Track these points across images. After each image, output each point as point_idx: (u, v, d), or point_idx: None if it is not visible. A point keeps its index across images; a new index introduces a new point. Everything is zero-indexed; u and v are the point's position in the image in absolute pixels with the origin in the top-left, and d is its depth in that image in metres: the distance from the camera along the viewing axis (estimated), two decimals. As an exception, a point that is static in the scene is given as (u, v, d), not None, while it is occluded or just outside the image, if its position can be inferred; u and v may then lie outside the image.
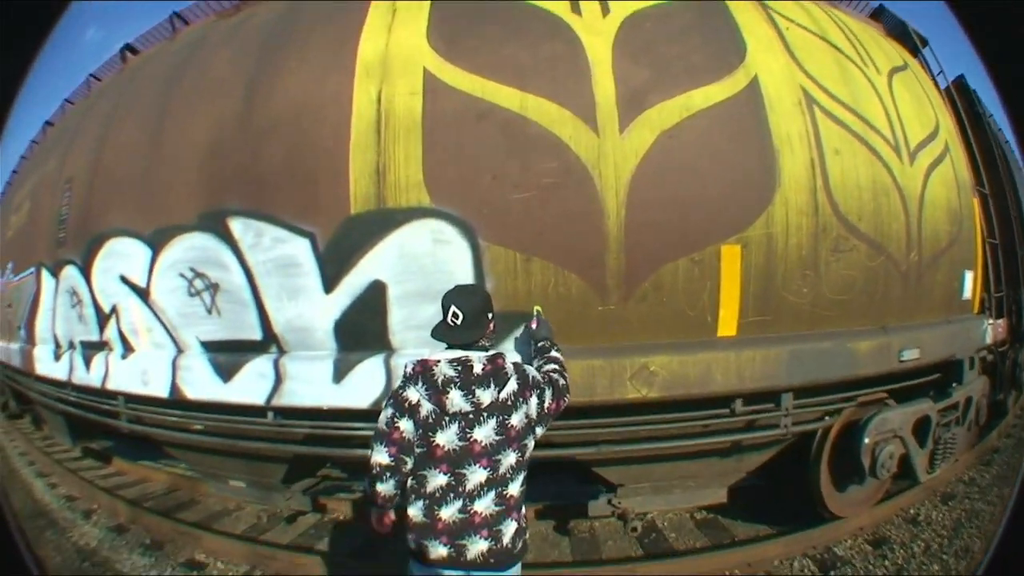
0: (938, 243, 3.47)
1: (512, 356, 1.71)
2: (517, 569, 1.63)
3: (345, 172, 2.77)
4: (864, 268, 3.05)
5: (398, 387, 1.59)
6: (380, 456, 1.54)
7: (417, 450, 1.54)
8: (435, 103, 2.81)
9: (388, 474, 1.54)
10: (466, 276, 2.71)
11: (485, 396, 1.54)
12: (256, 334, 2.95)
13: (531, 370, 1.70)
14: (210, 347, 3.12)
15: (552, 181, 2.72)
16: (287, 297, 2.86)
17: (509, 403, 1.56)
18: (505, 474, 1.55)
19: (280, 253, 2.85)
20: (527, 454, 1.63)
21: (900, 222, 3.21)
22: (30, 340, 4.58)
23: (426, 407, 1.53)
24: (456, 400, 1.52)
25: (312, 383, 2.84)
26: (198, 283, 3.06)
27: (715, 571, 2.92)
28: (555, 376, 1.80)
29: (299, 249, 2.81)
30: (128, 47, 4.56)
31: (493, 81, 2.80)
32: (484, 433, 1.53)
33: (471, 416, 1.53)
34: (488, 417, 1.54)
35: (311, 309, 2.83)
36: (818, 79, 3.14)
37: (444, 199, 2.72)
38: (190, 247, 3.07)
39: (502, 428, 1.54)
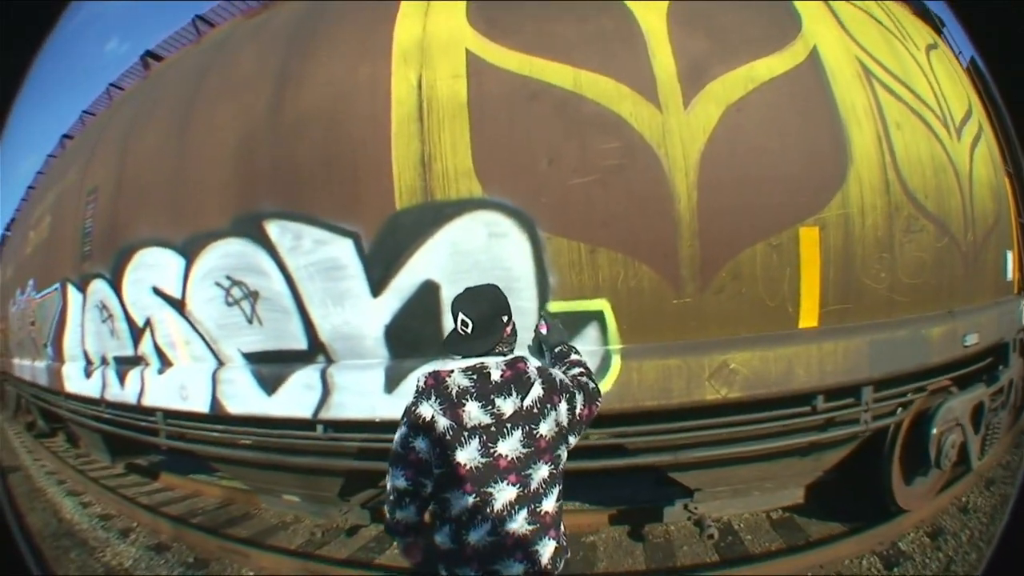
0: (987, 222, 3.22)
1: (535, 360, 1.50)
2: None
3: (387, 164, 2.52)
4: (933, 249, 2.79)
5: (410, 403, 1.40)
6: (397, 480, 1.37)
7: (436, 471, 1.34)
8: (481, 85, 2.55)
9: (407, 499, 1.38)
10: (526, 272, 2.46)
11: (507, 406, 1.33)
12: (301, 343, 2.73)
13: (558, 373, 1.50)
14: (252, 358, 2.90)
15: (615, 163, 2.45)
16: (332, 303, 2.62)
17: (535, 411, 1.36)
18: (538, 489, 1.36)
19: (322, 256, 2.61)
20: (561, 465, 1.43)
21: (957, 200, 2.97)
22: (58, 358, 4.40)
23: (441, 423, 1.34)
24: (474, 413, 1.32)
25: (363, 394, 2.61)
26: (236, 292, 2.83)
27: (789, 574, 2.70)
28: (583, 380, 1.59)
29: (342, 250, 2.57)
30: (150, 53, 4.33)
31: (542, 58, 2.54)
32: (510, 447, 1.33)
33: (493, 429, 1.33)
34: (512, 429, 1.34)
35: (358, 314, 2.59)
36: (871, 51, 2.87)
37: (497, 188, 2.47)
38: (225, 254, 2.84)
39: (530, 439, 1.35)
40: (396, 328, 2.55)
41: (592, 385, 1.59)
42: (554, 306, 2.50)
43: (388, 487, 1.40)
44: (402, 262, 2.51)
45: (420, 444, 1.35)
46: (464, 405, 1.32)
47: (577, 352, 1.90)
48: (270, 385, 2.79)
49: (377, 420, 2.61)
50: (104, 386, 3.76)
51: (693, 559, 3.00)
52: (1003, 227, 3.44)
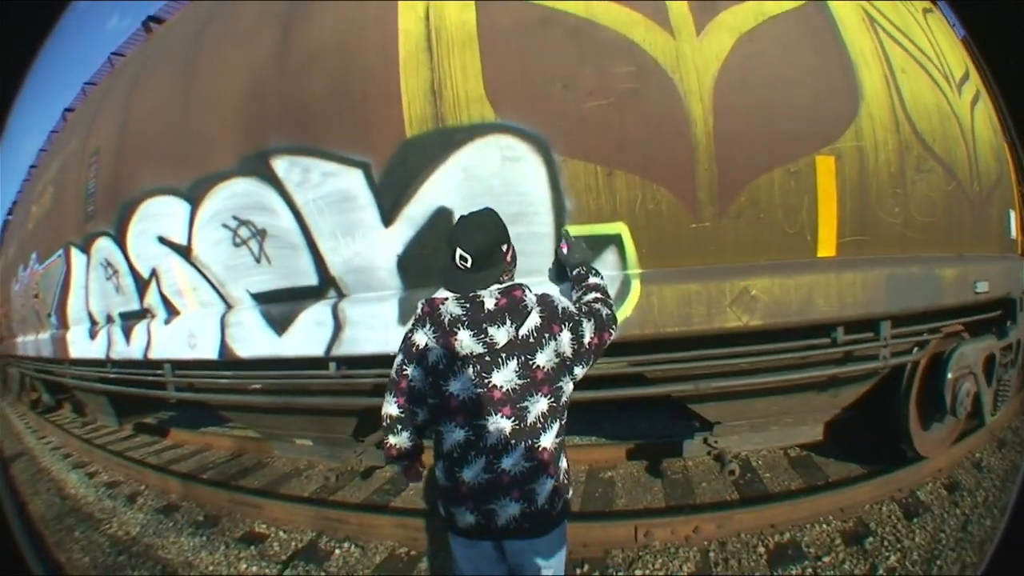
0: (990, 178, 3.20)
1: (539, 289, 1.41)
2: (559, 534, 1.36)
3: (397, 94, 2.45)
4: (942, 191, 2.76)
5: (407, 330, 1.37)
6: (390, 407, 1.35)
7: (431, 401, 1.31)
8: (490, 13, 2.48)
9: (399, 426, 1.36)
10: (542, 196, 2.38)
11: (499, 335, 1.26)
12: (311, 279, 2.64)
13: (561, 301, 1.39)
14: (261, 299, 2.81)
15: (630, 87, 2.38)
16: (342, 235, 2.54)
17: (531, 340, 1.28)
18: (535, 424, 1.28)
19: (331, 188, 2.53)
20: (563, 399, 1.34)
21: (962, 149, 2.94)
22: (62, 324, 4.27)
23: (435, 351, 1.29)
24: (466, 341, 1.25)
25: (376, 327, 2.52)
26: (243, 231, 2.74)
27: (810, 517, 2.65)
28: (596, 306, 1.49)
29: (352, 181, 2.48)
30: (152, 18, 4.23)
31: (551, -14, 2.47)
32: (504, 377, 1.26)
33: (487, 358, 1.26)
34: (507, 359, 1.27)
35: (370, 246, 2.51)
36: (873, 2, 2.83)
37: (510, 113, 2.39)
38: (232, 194, 2.75)
39: (526, 370, 1.28)
40: (409, 258, 2.47)
41: (606, 312, 1.48)
42: (572, 230, 2.44)
43: (383, 413, 1.36)
44: (413, 190, 2.43)
45: (413, 372, 1.29)
46: (456, 333, 1.25)
47: (597, 274, 1.81)
48: (280, 325, 2.70)
49: (392, 353, 2.52)
50: (110, 345, 3.64)
51: (712, 496, 2.94)
52: (1005, 188, 3.42)
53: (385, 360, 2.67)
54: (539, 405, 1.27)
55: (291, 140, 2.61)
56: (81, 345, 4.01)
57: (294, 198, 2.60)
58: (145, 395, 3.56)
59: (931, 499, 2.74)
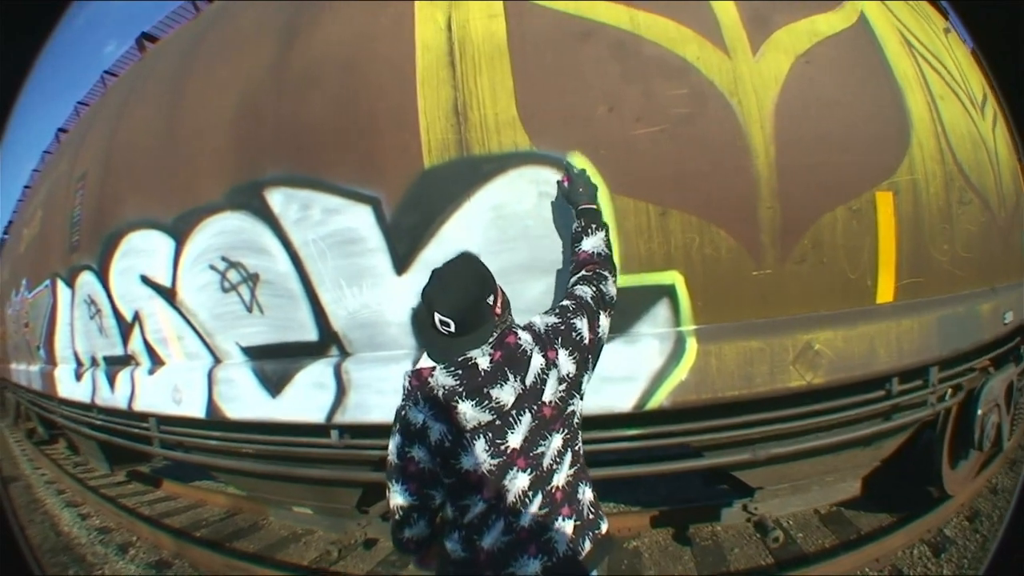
0: (1012, 201, 2.83)
1: (527, 320, 1.15)
2: None
3: (413, 115, 1.92)
4: (979, 223, 2.40)
5: (399, 407, 1.10)
6: (398, 497, 1.08)
7: (445, 480, 1.05)
8: (522, 24, 1.98)
9: (415, 516, 1.08)
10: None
11: (505, 395, 1.02)
12: (310, 334, 2.10)
13: (546, 319, 1.16)
14: (253, 354, 2.28)
15: (684, 111, 1.91)
16: (347, 284, 2.00)
17: (538, 384, 1.06)
18: (550, 466, 1.07)
19: (335, 227, 2.00)
20: (575, 423, 1.13)
21: (991, 176, 2.60)
22: (50, 360, 3.75)
23: (436, 429, 1.03)
24: (469, 413, 1.01)
25: (387, 392, 1.99)
26: (233, 275, 2.21)
27: (849, 572, 2.28)
28: (585, 291, 1.26)
29: (359, 219, 1.96)
30: (146, 35, 3.72)
31: (589, -3, 1.96)
32: (520, 436, 1.04)
33: (497, 423, 1.03)
34: (519, 415, 1.04)
35: (380, 297, 1.98)
36: (906, 24, 2.43)
37: (547, 140, 1.88)
38: (220, 231, 2.23)
39: (537, 414, 1.06)
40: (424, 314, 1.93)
41: (597, 291, 1.25)
42: (621, 280, 1.90)
43: (391, 505, 1.08)
44: (433, 231, 1.90)
45: (418, 454, 1.04)
46: (456, 407, 1.00)
47: (599, 225, 1.46)
48: (275, 385, 2.16)
49: None
50: (95, 390, 3.12)
51: (747, 562, 2.47)
52: (1021, 210, 3.02)
53: None
54: (553, 444, 1.06)
55: (288, 169, 2.08)
56: (68, 385, 3.50)
57: (291, 237, 2.07)
58: (132, 448, 3.03)
59: (955, 533, 2.49)
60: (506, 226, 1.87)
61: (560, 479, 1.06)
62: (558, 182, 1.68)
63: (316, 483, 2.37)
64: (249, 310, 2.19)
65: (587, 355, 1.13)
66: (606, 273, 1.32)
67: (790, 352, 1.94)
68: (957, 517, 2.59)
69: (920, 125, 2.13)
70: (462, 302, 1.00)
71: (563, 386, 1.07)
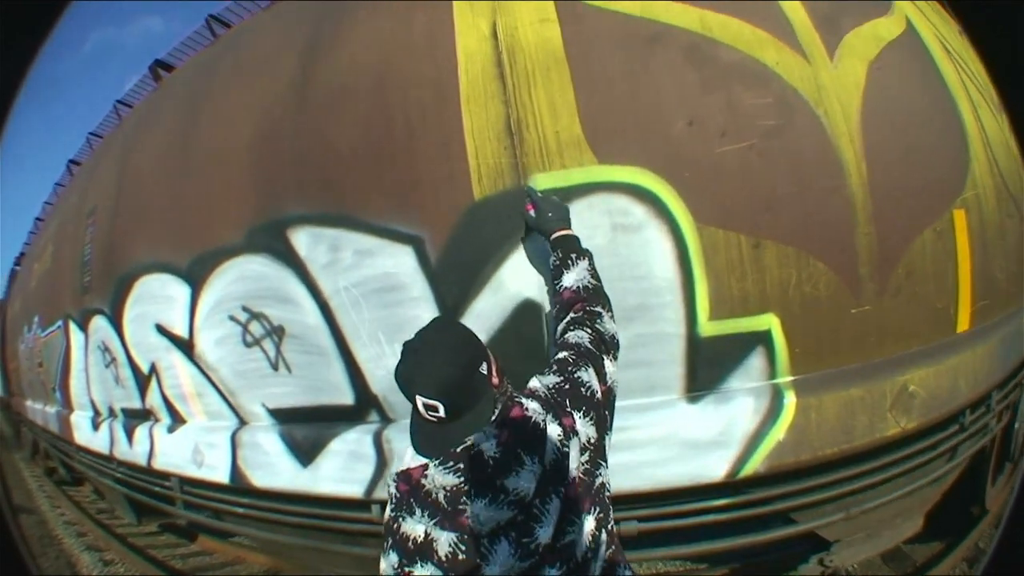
0: None
1: (531, 384, 0.90)
2: None
3: (458, 137, 1.61)
4: (1019, 235, 2.14)
5: (390, 518, 0.85)
6: None
7: None
8: (579, 28, 1.67)
9: None
10: (670, 279, 1.54)
11: (524, 482, 0.77)
12: (345, 396, 1.79)
13: (546, 380, 0.91)
14: (281, 417, 1.97)
15: (772, 123, 1.60)
16: (387, 338, 1.69)
17: (561, 462, 0.81)
18: (585, 555, 0.80)
19: (370, 272, 1.69)
20: (606, 494, 0.87)
21: (1021, 183, 2.26)
22: (66, 404, 3.52)
23: (444, 541, 0.77)
24: (481, 515, 0.76)
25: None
26: (255, 328, 1.91)
27: None
28: (584, 335, 1.00)
29: (399, 263, 1.64)
30: (159, 63, 3.43)
31: (650, -3, 1.64)
32: (550, 527, 0.77)
33: (520, 520, 0.76)
34: (546, 502, 0.78)
35: (426, 352, 1.65)
36: (939, 28, 2.11)
37: (620, 161, 1.54)
38: (240, 277, 1.93)
39: (564, 498, 0.79)
40: None
41: (597, 334, 1.01)
42: (709, 327, 1.55)
43: None
44: (487, 275, 1.58)
45: (426, 571, 0.79)
46: (464, 510, 0.77)
47: (582, 254, 1.19)
48: (306, 453, 1.86)
49: None
50: (112, 442, 2.86)
51: None
52: None
53: None
54: (586, 528, 0.82)
55: (314, 206, 1.78)
56: (85, 434, 3.26)
57: (320, 285, 1.77)
58: (155, 507, 2.76)
59: (985, 543, 2.33)
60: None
61: (596, 568, 0.83)
62: (522, 212, 1.37)
63: (357, 559, 2.06)
64: (275, 368, 1.89)
65: (604, 412, 0.91)
66: (599, 309, 1.07)
67: (888, 397, 1.65)
68: (988, 527, 2.38)
69: (972, 135, 1.86)
70: (450, 378, 0.78)
71: (586, 456, 0.85)
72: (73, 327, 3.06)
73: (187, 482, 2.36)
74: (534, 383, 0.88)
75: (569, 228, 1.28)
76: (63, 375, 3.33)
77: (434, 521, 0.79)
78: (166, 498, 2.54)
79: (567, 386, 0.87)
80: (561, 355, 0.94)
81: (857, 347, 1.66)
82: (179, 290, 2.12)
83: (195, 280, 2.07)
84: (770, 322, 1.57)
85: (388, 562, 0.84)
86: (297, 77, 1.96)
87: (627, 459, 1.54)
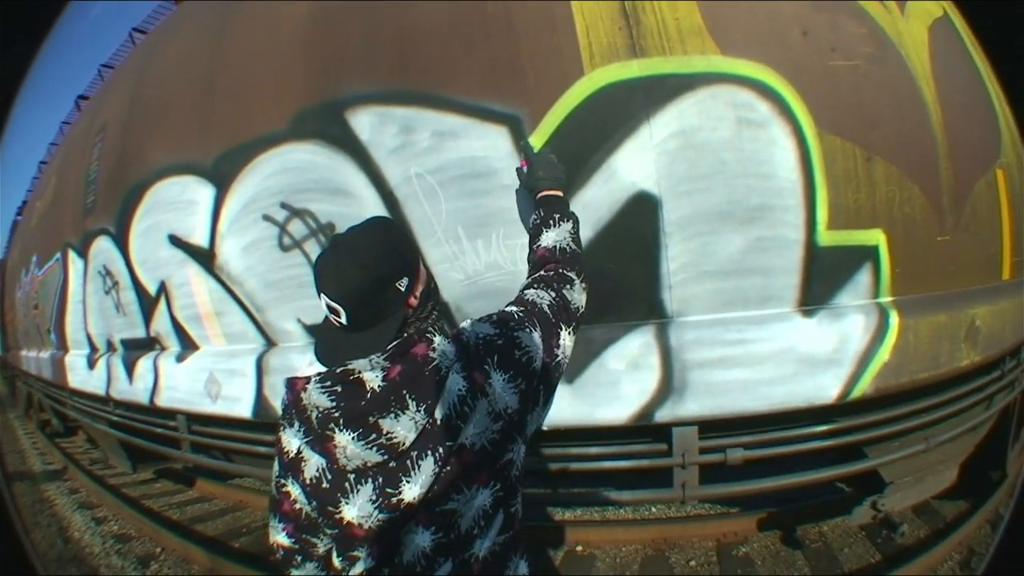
0: None
1: (462, 325, 0.58)
2: None
3: (565, 13, 1.06)
4: None
5: (278, 423, 0.57)
6: (277, 535, 0.58)
7: (327, 531, 0.54)
8: None
9: (299, 559, 0.57)
10: (792, 182, 1.09)
11: (401, 429, 0.50)
12: (410, 305, 1.14)
13: (480, 327, 0.57)
14: (323, 333, 1.27)
15: (870, 51, 1.20)
16: (468, 235, 1.09)
17: (454, 419, 0.51)
18: (471, 529, 0.52)
19: (452, 156, 1.09)
20: (512, 476, 0.55)
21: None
22: (61, 345, 2.50)
23: (313, 462, 0.53)
24: (350, 449, 0.50)
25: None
26: (296, 227, 1.23)
27: (943, 559, 1.65)
28: (542, 294, 0.65)
29: (490, 145, 1.05)
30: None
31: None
32: (420, 486, 0.50)
33: (392, 466, 0.50)
34: (421, 457, 0.50)
35: (517, 255, 1.08)
36: (953, 13, 1.86)
37: (743, 57, 1.06)
38: (280, 169, 1.24)
39: (451, 460, 0.51)
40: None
41: (557, 296, 0.65)
42: (827, 237, 1.10)
43: (271, 541, 0.58)
44: (597, 162, 1.04)
45: (295, 491, 0.55)
46: (332, 437, 0.51)
47: (567, 217, 0.80)
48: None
49: (546, 429, 1.09)
50: (109, 380, 1.96)
51: (858, 561, 1.69)
52: None
53: (546, 434, 1.23)
54: (476, 501, 0.53)
55: (383, 81, 1.14)
56: (79, 374, 2.29)
57: (385, 172, 1.13)
58: (155, 451, 1.90)
59: (1003, 510, 1.85)
60: (697, 159, 1.04)
61: (483, 547, 0.54)
62: (517, 169, 0.95)
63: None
64: (319, 275, 1.21)
65: (537, 384, 0.57)
66: (571, 275, 0.72)
67: (962, 328, 1.29)
68: (1006, 493, 1.92)
69: (999, 108, 1.57)
70: (358, 284, 0.51)
71: (498, 425, 0.53)
72: (72, 256, 2.12)
73: (196, 419, 1.57)
74: (464, 325, 0.58)
75: (559, 190, 0.87)
76: (59, 312, 2.34)
77: (307, 440, 0.54)
78: (169, 440, 1.71)
79: (499, 341, 0.56)
80: (509, 308, 0.62)
81: (940, 274, 1.29)
82: (201, 192, 1.38)
83: (222, 179, 1.34)
84: (878, 238, 1.15)
85: (273, 468, 0.58)
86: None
87: (744, 376, 1.07)
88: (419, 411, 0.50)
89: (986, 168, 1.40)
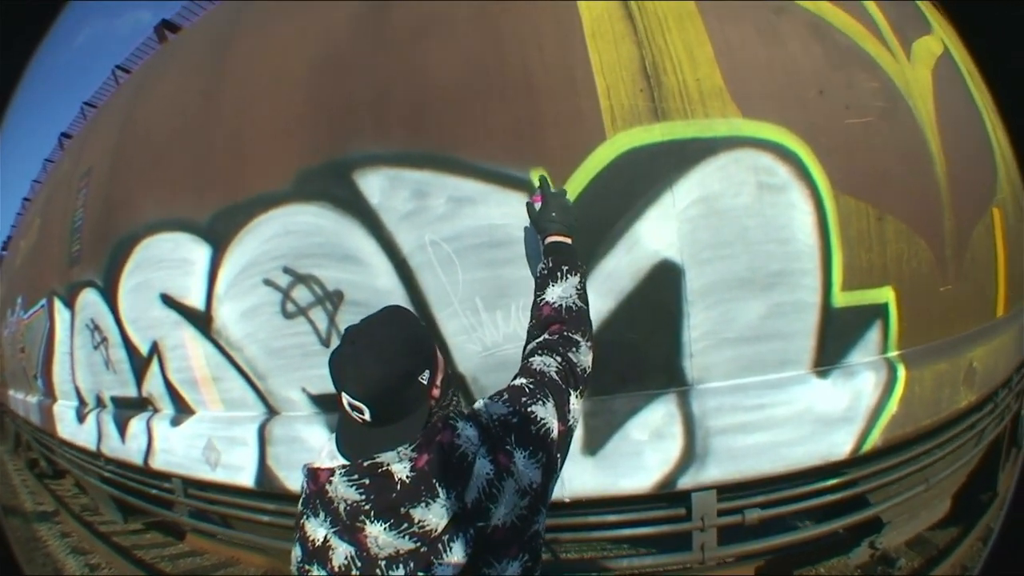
0: None
1: (476, 406, 0.50)
2: None
3: (586, 74, 0.93)
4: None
5: (299, 511, 0.48)
6: None
7: None
8: None
9: None
10: (810, 246, 0.98)
11: (433, 517, 0.42)
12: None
13: (494, 407, 0.49)
14: (328, 404, 1.09)
15: (882, 106, 1.12)
16: (486, 305, 0.94)
17: (484, 502, 0.44)
18: None
19: (469, 224, 0.94)
20: (538, 545, 0.48)
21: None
22: (48, 392, 2.19)
23: (340, 553, 0.44)
24: (381, 539, 0.42)
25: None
26: (301, 294, 1.04)
27: None
28: (548, 363, 0.56)
29: (511, 212, 0.91)
30: (167, 23, 2.20)
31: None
32: (454, 567, 0.42)
33: (423, 551, 0.42)
34: (453, 540, 0.43)
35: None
36: (954, 47, 1.84)
37: (764, 118, 0.95)
38: (282, 232, 1.06)
39: (480, 539, 0.44)
40: (606, 347, 0.86)
41: (564, 362, 0.57)
42: (841, 298, 1.01)
43: None
44: (620, 229, 0.91)
45: (319, 573, 0.46)
46: (363, 528, 0.44)
47: (575, 269, 0.69)
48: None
49: (569, 500, 0.95)
50: (100, 436, 1.70)
51: None
52: None
53: (560, 507, 1.07)
54: (508, 571, 0.47)
55: (394, 143, 0.98)
56: (69, 426, 1.99)
57: (397, 239, 0.97)
58: (148, 510, 1.64)
59: (995, 525, 1.74)
60: (720, 226, 0.93)
61: None
62: (528, 203, 0.83)
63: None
64: (326, 343, 1.03)
65: (555, 454, 0.51)
66: (577, 337, 0.63)
67: (961, 372, 1.23)
68: (996, 510, 1.81)
69: (996, 144, 1.51)
70: (383, 382, 0.45)
71: (525, 501, 0.47)
72: (58, 305, 1.82)
73: (192, 484, 1.35)
74: (479, 406, 0.51)
75: (570, 236, 0.76)
76: (45, 360, 2.02)
77: (334, 529, 0.46)
78: (164, 502, 1.47)
79: (515, 420, 0.50)
80: (519, 381, 0.55)
81: (942, 323, 1.22)
82: (196, 251, 1.18)
83: (218, 239, 1.14)
84: (887, 296, 1.07)
85: (294, 553, 0.50)
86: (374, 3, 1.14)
87: (764, 440, 0.97)
88: (450, 498, 0.45)
89: (984, 211, 1.36)
